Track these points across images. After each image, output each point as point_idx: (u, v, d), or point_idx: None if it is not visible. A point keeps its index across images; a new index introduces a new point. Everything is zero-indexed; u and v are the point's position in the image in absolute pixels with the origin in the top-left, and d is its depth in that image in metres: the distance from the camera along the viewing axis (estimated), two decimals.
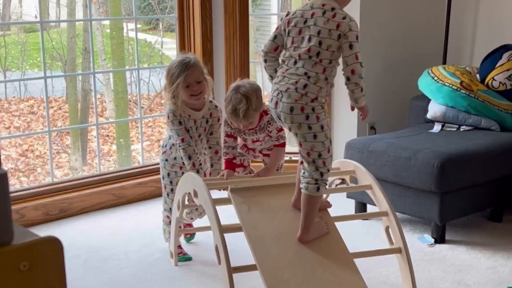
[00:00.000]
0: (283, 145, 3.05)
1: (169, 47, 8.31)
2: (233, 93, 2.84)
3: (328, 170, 2.53)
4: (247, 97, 2.81)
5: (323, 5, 2.44)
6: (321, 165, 2.49)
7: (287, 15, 2.52)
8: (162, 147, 3.19)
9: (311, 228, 2.56)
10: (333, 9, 2.42)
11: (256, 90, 2.87)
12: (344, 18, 2.40)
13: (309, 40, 2.42)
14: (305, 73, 2.42)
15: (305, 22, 2.45)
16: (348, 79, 2.43)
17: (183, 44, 4.24)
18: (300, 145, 2.49)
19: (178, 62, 2.97)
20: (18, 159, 6.87)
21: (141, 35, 8.77)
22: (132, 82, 7.64)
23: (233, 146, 3.03)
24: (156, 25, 9.05)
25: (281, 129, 2.99)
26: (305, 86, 2.41)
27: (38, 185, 3.96)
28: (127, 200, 4.01)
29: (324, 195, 2.97)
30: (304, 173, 2.53)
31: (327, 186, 2.60)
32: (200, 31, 4.16)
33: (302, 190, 2.54)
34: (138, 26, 8.61)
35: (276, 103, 2.47)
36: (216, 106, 3.12)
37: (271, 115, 2.76)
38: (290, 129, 2.50)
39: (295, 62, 2.44)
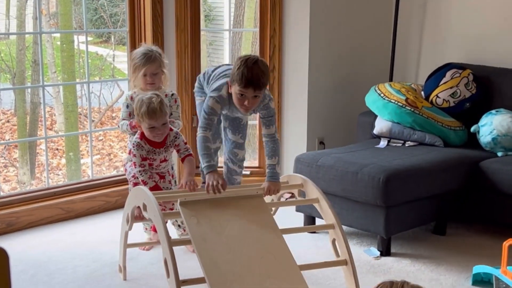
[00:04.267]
0: (191, 155, 3.26)
1: (121, 60, 8.25)
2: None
3: None
4: (158, 95, 3.15)
5: None
6: None
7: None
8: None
9: None
10: None
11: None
12: None
13: None
14: None
15: None
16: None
17: None
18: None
19: (141, 54, 3.40)
20: None
21: (92, 48, 8.69)
22: (83, 95, 7.56)
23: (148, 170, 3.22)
24: (108, 38, 8.99)
25: (186, 142, 3.27)
26: None
27: None
28: (75, 214, 3.97)
29: (273, 208, 3.03)
30: None
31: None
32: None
33: None
34: (89, 39, 8.54)
35: None
36: (170, 94, 3.47)
37: (175, 131, 3.20)
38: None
39: None
